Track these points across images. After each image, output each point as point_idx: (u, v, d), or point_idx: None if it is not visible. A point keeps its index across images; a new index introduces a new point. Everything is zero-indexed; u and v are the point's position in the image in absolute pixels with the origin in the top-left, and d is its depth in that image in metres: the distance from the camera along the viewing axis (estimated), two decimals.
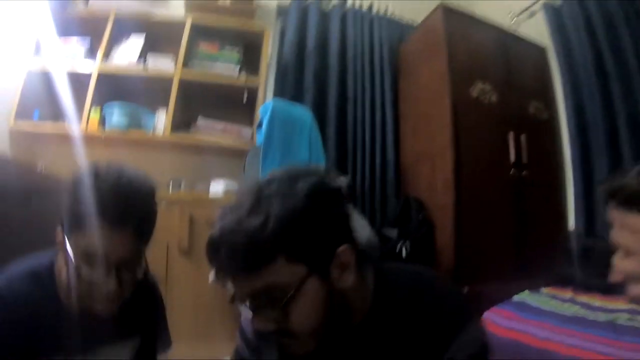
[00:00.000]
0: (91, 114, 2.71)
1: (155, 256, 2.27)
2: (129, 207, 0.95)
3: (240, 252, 0.77)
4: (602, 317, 1.46)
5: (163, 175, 2.66)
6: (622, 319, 1.43)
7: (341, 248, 0.83)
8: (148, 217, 1.02)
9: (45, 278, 1.00)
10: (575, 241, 2.11)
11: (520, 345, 1.41)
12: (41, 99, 2.67)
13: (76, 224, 0.94)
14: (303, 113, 2.50)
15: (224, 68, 2.95)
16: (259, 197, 0.80)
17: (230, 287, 0.84)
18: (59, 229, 0.98)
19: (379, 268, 0.95)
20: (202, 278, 2.22)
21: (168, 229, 2.34)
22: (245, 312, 0.92)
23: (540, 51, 3.03)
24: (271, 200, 0.79)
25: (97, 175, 0.96)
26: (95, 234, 0.92)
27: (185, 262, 2.35)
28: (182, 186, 2.74)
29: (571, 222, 2.59)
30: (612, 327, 1.38)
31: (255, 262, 0.78)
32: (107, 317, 1.04)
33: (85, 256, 0.93)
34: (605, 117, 2.38)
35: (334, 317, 0.84)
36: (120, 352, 1.14)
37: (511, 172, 2.55)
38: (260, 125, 2.37)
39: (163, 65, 2.87)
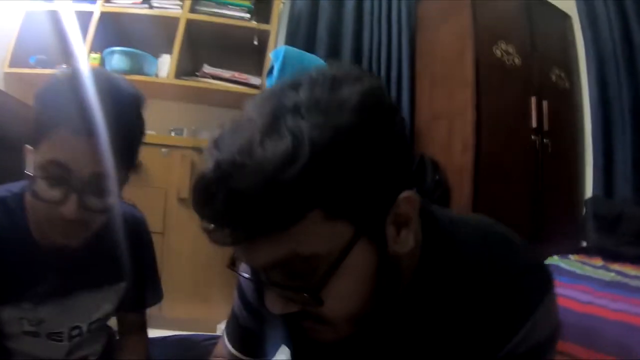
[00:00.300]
0: (90, 58, 2.58)
1: (151, 204, 2.17)
2: (104, 112, 0.75)
3: (250, 202, 0.46)
4: None
5: (165, 122, 2.53)
6: None
7: (403, 195, 0.53)
8: (127, 129, 0.82)
9: (13, 205, 0.86)
10: (601, 208, 2.00)
11: (560, 308, 1.30)
12: (38, 46, 2.56)
13: (42, 132, 0.76)
14: (316, 61, 2.37)
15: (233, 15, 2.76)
16: (280, 110, 0.49)
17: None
18: (27, 145, 0.81)
19: (428, 213, 0.66)
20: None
21: (167, 175, 2.23)
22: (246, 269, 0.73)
23: (565, 19, 2.94)
24: (300, 115, 0.48)
25: (73, 75, 0.78)
26: (58, 143, 0.75)
27: (184, 211, 2.23)
28: (185, 134, 2.60)
29: (588, 194, 2.52)
30: None
31: (276, 220, 0.47)
32: (82, 256, 0.91)
33: (44, 170, 0.76)
34: (630, 91, 2.33)
35: (381, 292, 0.58)
36: (103, 300, 1.01)
37: (532, 138, 2.44)
38: (271, 71, 2.25)
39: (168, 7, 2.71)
